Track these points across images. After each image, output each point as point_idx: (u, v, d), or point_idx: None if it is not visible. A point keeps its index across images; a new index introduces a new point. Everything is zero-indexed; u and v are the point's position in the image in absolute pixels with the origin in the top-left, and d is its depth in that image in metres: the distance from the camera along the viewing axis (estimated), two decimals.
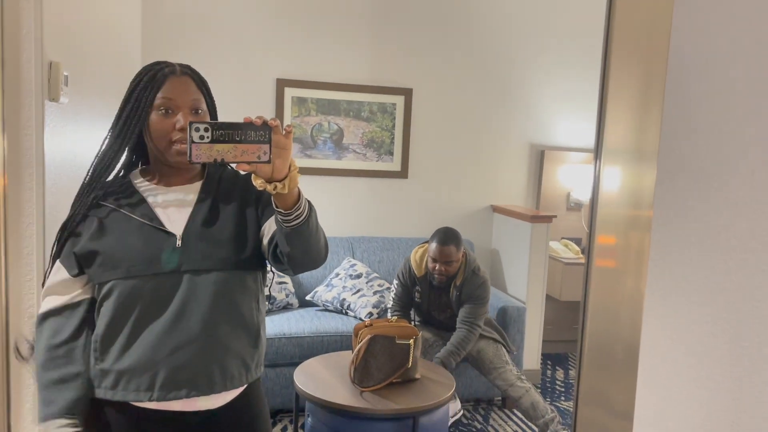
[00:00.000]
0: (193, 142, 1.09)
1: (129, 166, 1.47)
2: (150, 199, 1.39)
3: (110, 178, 1.41)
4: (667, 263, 0.88)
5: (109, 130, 1.38)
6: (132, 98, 1.34)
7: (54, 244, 1.38)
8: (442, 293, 3.32)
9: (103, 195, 1.38)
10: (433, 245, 3.17)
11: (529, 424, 3.37)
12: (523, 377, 3.15)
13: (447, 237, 3.16)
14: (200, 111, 1.37)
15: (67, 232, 1.36)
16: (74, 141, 2.00)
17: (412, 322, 3.35)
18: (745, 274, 0.87)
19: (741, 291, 0.87)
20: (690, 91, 0.87)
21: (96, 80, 2.26)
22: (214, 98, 1.45)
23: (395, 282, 3.41)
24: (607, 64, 0.97)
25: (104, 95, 2.33)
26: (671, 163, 0.88)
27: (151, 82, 1.34)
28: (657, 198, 0.87)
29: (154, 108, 1.34)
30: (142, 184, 1.42)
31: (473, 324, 3.17)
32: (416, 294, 3.36)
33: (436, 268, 3.16)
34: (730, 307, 0.88)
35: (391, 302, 3.39)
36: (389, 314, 3.36)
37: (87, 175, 1.38)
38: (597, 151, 0.98)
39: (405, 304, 3.38)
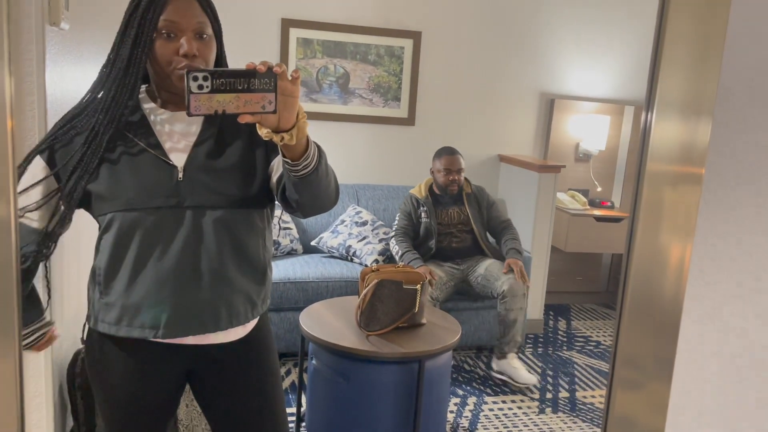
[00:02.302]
0: (191, 92, 1.00)
1: None
2: (156, 126, 1.31)
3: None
4: (716, 221, 0.84)
5: (110, 58, 1.27)
6: (133, 23, 1.24)
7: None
8: (456, 208, 3.44)
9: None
10: (443, 158, 3.39)
11: (534, 374, 3.39)
12: (526, 297, 3.28)
13: (451, 149, 3.44)
14: (205, 35, 1.28)
15: (82, 169, 1.26)
16: (76, 69, 1.93)
17: (418, 261, 3.33)
18: None
19: None
20: (753, 39, 0.81)
21: (96, 8, 2.17)
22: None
23: (397, 216, 3.50)
24: (665, 7, 0.90)
25: (106, 24, 2.25)
26: (728, 117, 0.82)
27: (152, 4, 1.23)
28: (710, 154, 0.82)
29: (156, 31, 1.25)
30: (148, 106, 1.34)
31: (510, 222, 3.54)
32: (422, 215, 3.41)
33: (450, 178, 3.36)
34: None
35: (393, 232, 3.45)
36: (392, 243, 3.40)
37: (101, 113, 1.26)
38: (648, 102, 0.92)
39: (408, 231, 3.44)
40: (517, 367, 3.18)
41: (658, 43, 0.90)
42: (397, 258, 3.36)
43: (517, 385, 3.17)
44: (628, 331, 0.93)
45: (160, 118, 1.33)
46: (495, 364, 3.27)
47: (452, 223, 3.46)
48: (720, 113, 0.82)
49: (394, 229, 3.48)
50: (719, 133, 0.83)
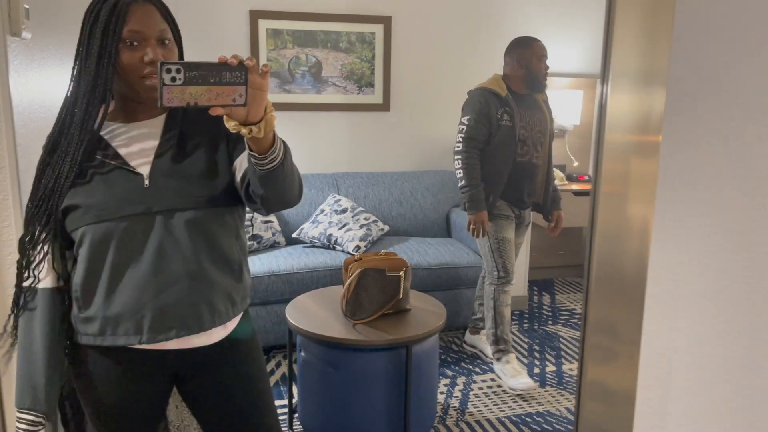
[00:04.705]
0: (164, 84, 1.01)
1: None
2: (113, 141, 1.32)
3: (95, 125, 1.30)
4: (675, 186, 0.86)
5: (76, 73, 1.27)
6: (96, 33, 1.23)
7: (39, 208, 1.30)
8: (537, 113, 2.97)
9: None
10: (534, 44, 2.91)
11: (521, 350, 3.45)
12: None
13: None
14: (167, 41, 1.29)
15: (59, 194, 1.27)
16: (41, 79, 1.91)
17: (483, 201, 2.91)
18: (754, 185, 0.84)
19: (749, 202, 0.85)
20: (703, 8, 0.83)
21: (59, 13, 2.14)
22: (181, 31, 1.37)
23: (465, 119, 2.88)
24: None
25: (69, 29, 2.22)
26: (681, 85, 0.84)
27: (113, 14, 1.23)
28: (666, 122, 0.84)
29: (120, 41, 1.25)
30: (103, 124, 1.33)
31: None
32: (505, 117, 2.87)
33: (546, 67, 2.91)
34: (738, 219, 0.86)
35: (463, 144, 2.86)
36: (459, 161, 2.88)
37: (76, 129, 1.27)
38: (603, 75, 0.94)
39: (480, 143, 2.88)
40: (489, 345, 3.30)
41: (610, 16, 0.92)
42: (458, 180, 2.91)
43: (488, 359, 3.30)
44: (596, 299, 0.96)
45: (118, 131, 1.34)
46: (468, 338, 3.43)
47: (534, 130, 2.94)
48: (673, 81, 0.84)
49: (462, 138, 2.87)
50: (674, 100, 0.85)
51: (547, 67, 2.94)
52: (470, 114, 2.87)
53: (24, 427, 1.29)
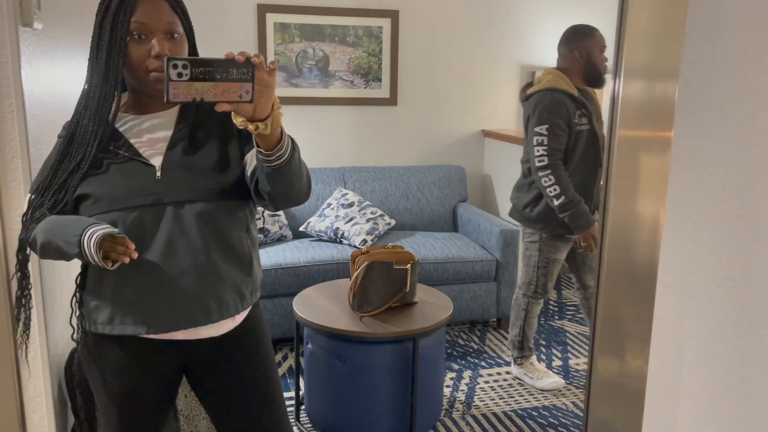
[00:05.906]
0: (170, 80, 1.02)
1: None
2: (126, 132, 1.33)
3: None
4: (687, 173, 0.86)
5: (90, 65, 1.29)
6: (106, 26, 1.25)
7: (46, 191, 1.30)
8: (596, 105, 2.72)
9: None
10: (595, 34, 2.63)
11: None
12: None
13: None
14: (176, 35, 1.29)
15: (77, 177, 1.28)
16: (52, 70, 1.91)
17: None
18: (767, 171, 0.84)
19: (762, 188, 0.85)
20: (715, 2, 0.82)
21: (69, 4, 2.15)
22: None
23: (543, 127, 2.54)
24: None
25: (80, 20, 2.23)
26: (693, 81, 0.84)
27: (121, 6, 1.24)
28: (679, 114, 0.84)
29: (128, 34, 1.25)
30: (117, 116, 1.34)
31: None
32: (583, 121, 2.60)
33: (606, 59, 2.63)
34: (750, 206, 0.86)
35: (547, 157, 2.53)
36: (547, 178, 2.55)
37: (93, 122, 1.28)
38: (616, 70, 0.93)
39: (561, 151, 2.56)
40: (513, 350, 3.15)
41: (623, 11, 0.92)
42: (554, 201, 2.56)
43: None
44: (606, 295, 0.96)
45: (131, 122, 1.34)
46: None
47: (601, 130, 2.67)
48: (686, 77, 0.84)
49: (543, 150, 2.53)
50: (686, 96, 0.84)
51: (606, 59, 2.68)
52: (546, 122, 2.55)
53: (102, 232, 1.18)
